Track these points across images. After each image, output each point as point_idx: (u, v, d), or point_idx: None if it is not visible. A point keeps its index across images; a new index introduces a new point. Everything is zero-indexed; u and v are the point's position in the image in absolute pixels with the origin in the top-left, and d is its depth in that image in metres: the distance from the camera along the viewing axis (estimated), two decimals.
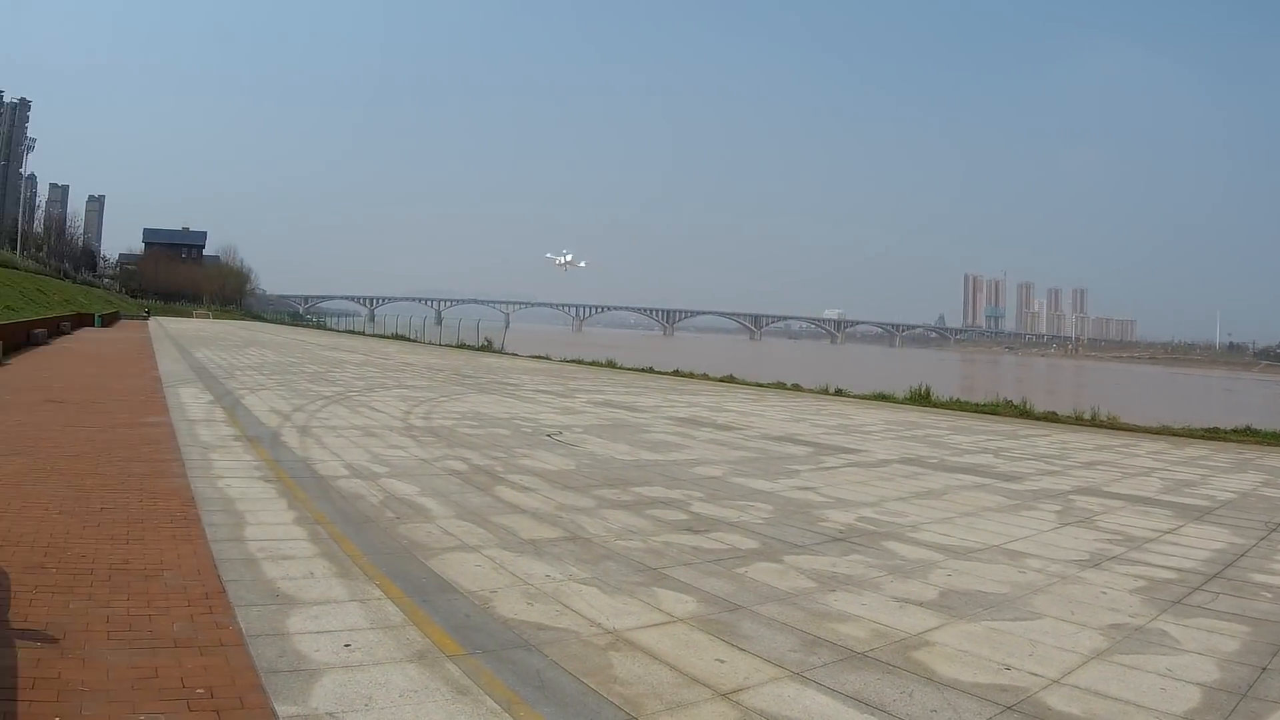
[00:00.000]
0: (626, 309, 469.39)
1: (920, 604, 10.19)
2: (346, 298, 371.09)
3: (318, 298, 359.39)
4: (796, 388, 48.05)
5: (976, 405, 40.76)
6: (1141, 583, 11.53)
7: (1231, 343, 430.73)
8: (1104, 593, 10.99)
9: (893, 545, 13.00)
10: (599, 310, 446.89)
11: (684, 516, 14.33)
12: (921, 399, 42.33)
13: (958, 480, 19.27)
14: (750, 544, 12.68)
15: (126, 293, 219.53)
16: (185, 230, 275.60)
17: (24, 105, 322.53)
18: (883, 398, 43.00)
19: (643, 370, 59.43)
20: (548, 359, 70.46)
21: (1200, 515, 16.61)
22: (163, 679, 6.96)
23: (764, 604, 9.89)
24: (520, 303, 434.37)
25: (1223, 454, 27.37)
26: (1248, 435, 32.65)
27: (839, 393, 45.49)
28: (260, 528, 12.06)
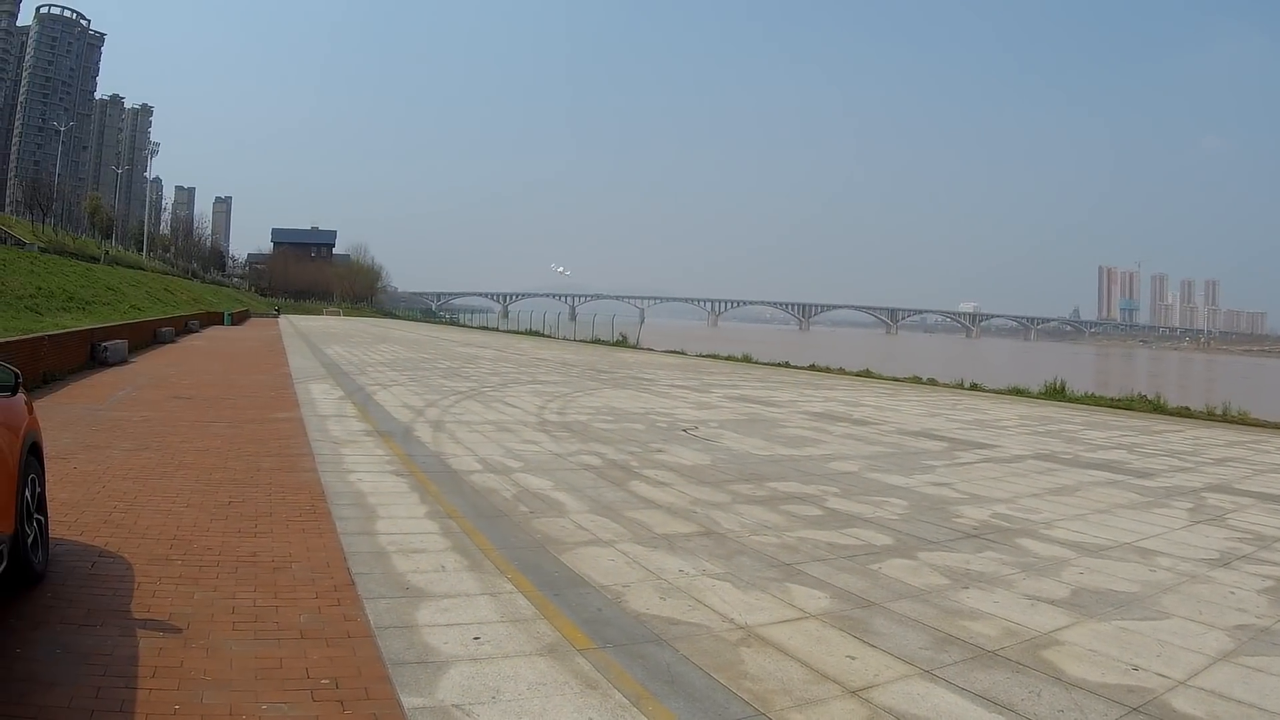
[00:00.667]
0: (762, 303, 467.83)
1: (1051, 602, 10.09)
2: (479, 294, 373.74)
3: (450, 294, 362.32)
4: (932, 382, 47.50)
5: (1111, 400, 39.99)
6: (1270, 583, 11.29)
7: None
8: (1232, 593, 10.78)
9: (1025, 542, 12.88)
10: (734, 305, 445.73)
11: (819, 512, 14.27)
12: (1056, 394, 41.60)
13: (1091, 476, 18.95)
14: (884, 540, 12.64)
15: (256, 291, 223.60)
16: (314, 229, 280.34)
17: (146, 111, 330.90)
18: (1018, 392, 42.44)
19: (778, 365, 58.86)
20: (683, 354, 70.15)
21: None
22: (287, 670, 7.12)
23: (896, 601, 9.87)
24: (655, 298, 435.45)
25: None
26: None
27: (974, 387, 44.99)
28: (391, 521, 12.25)
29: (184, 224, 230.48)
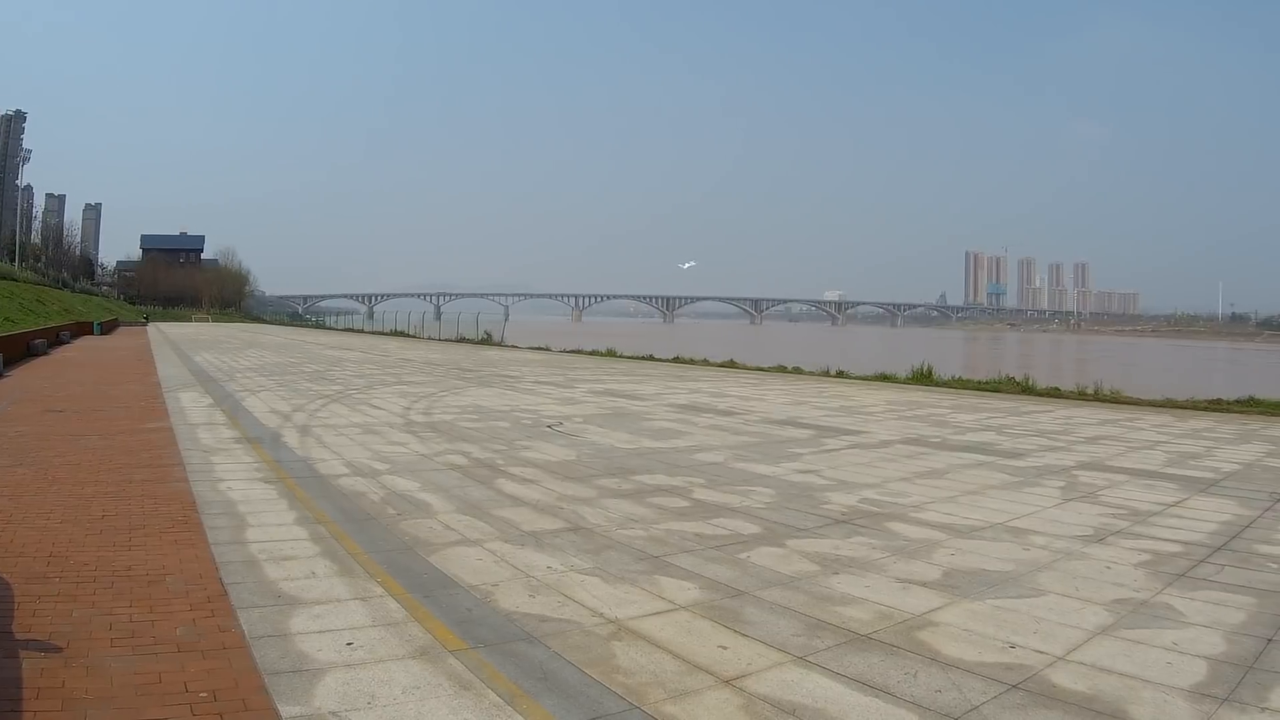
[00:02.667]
0: (626, 297, 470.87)
1: (924, 584, 10.20)
2: (345, 296, 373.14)
3: (317, 297, 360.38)
4: (798, 371, 48.20)
5: (979, 383, 40.91)
6: (1146, 557, 11.54)
7: (1234, 314, 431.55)
8: (1108, 568, 11.00)
9: (896, 526, 13.03)
10: (598, 299, 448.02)
11: (686, 504, 14.34)
12: (923, 378, 42.38)
13: (960, 459, 19.29)
14: (752, 529, 12.71)
15: (125, 299, 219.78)
16: (183, 234, 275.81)
17: (19, 117, 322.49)
18: (885, 378, 43.20)
19: (643, 358, 59.68)
20: (548, 350, 70.57)
21: (1205, 488, 16.62)
22: (166, 684, 6.98)
23: (767, 589, 9.91)
24: (520, 295, 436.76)
25: (1227, 425, 27.39)
26: (1251, 406, 32.66)
27: (840, 374, 45.66)
28: (261, 529, 12.09)
29: (54, 232, 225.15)
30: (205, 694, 6.86)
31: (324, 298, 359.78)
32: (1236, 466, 19.23)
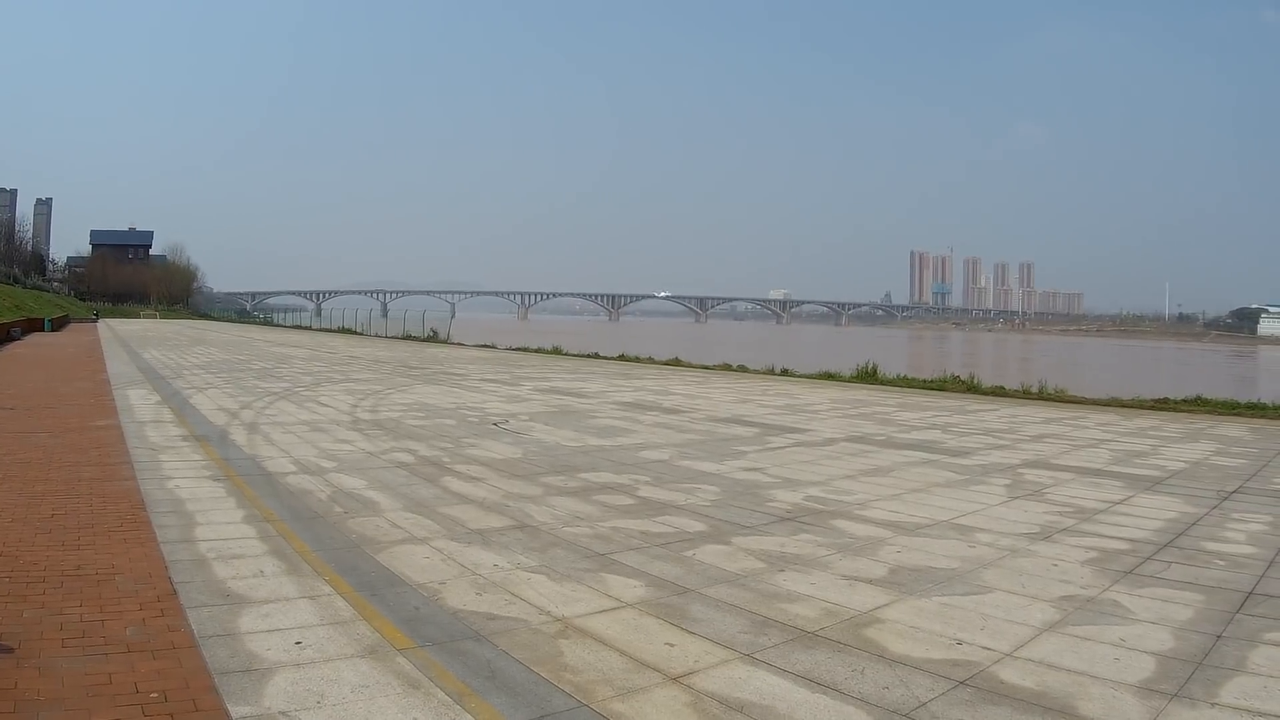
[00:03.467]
0: (572, 295, 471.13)
1: (870, 581, 10.25)
2: (293, 293, 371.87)
3: (264, 294, 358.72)
4: (742, 369, 48.44)
5: (924, 382, 41.13)
6: (1093, 554, 11.64)
7: (1181, 313, 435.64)
8: (1055, 565, 11.09)
9: (841, 524, 13.08)
10: (545, 297, 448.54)
11: (631, 501, 14.40)
12: (868, 377, 42.68)
13: (905, 457, 19.41)
14: (698, 526, 12.76)
15: (76, 295, 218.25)
16: (132, 230, 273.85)
17: None
18: (829, 377, 43.42)
19: (588, 356, 59.93)
20: (493, 348, 70.95)
21: (1151, 485, 16.79)
22: (117, 685, 6.95)
23: (713, 586, 9.94)
24: (466, 292, 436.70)
25: (1173, 424, 27.68)
26: (1198, 405, 33.01)
27: (785, 373, 45.91)
28: (210, 528, 12.06)
29: (5, 228, 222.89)
30: (156, 694, 6.83)
31: (272, 294, 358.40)
32: (1183, 465, 19.42)
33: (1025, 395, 36.22)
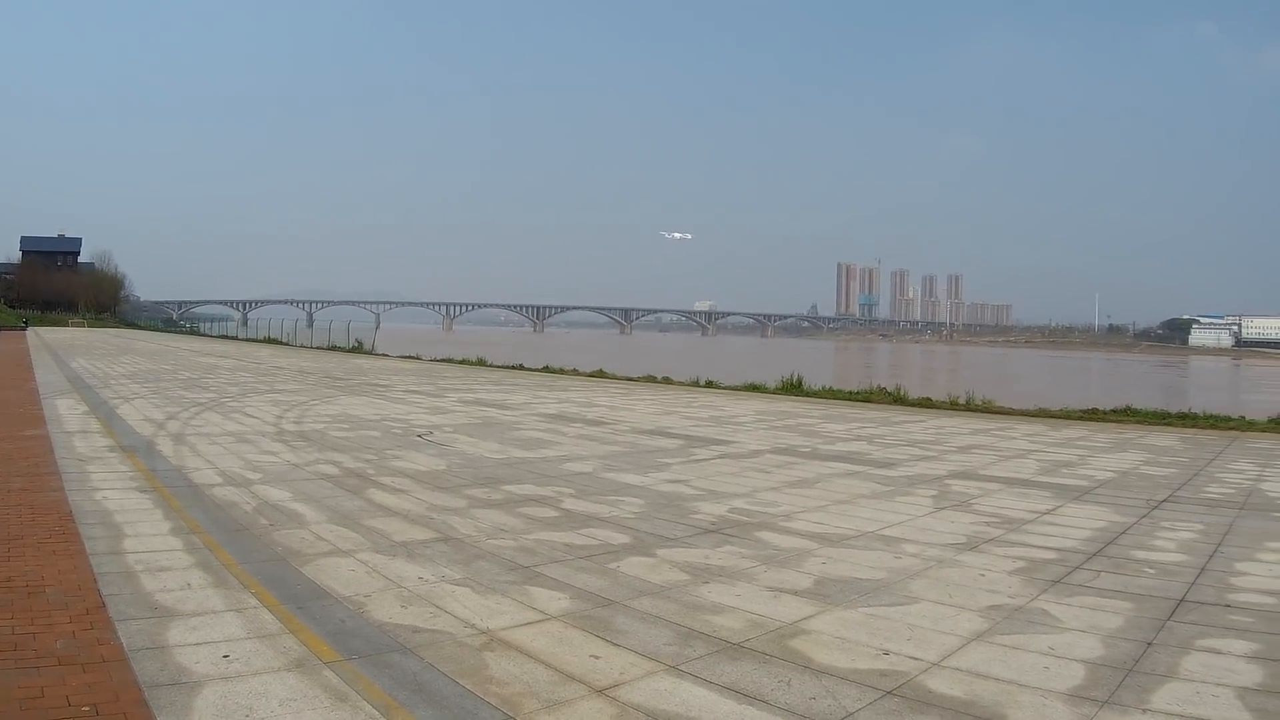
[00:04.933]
0: (497, 306, 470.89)
1: (795, 593, 10.34)
2: (219, 302, 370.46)
3: (191, 303, 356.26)
4: (667, 381, 48.42)
5: (850, 393, 41.29)
6: (1021, 564, 11.80)
7: (1111, 325, 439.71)
8: (982, 575, 11.23)
9: (765, 535, 13.18)
10: (469, 308, 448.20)
11: (555, 514, 14.47)
12: (793, 389, 42.80)
13: (830, 469, 19.54)
14: (622, 539, 12.83)
15: (5, 303, 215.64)
16: (61, 236, 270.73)
17: None
18: (754, 388, 43.55)
19: (513, 367, 59.92)
20: (418, 359, 71.14)
21: (1079, 495, 17.03)
22: (49, 699, 6.99)
23: (637, 598, 10.01)
24: (391, 303, 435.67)
25: (1102, 434, 28.05)
26: (1127, 415, 33.42)
27: (710, 384, 45.98)
28: (138, 539, 12.08)
29: None
30: (87, 708, 6.86)
31: (199, 304, 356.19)
32: (1112, 474, 19.70)
33: (952, 406, 36.53)
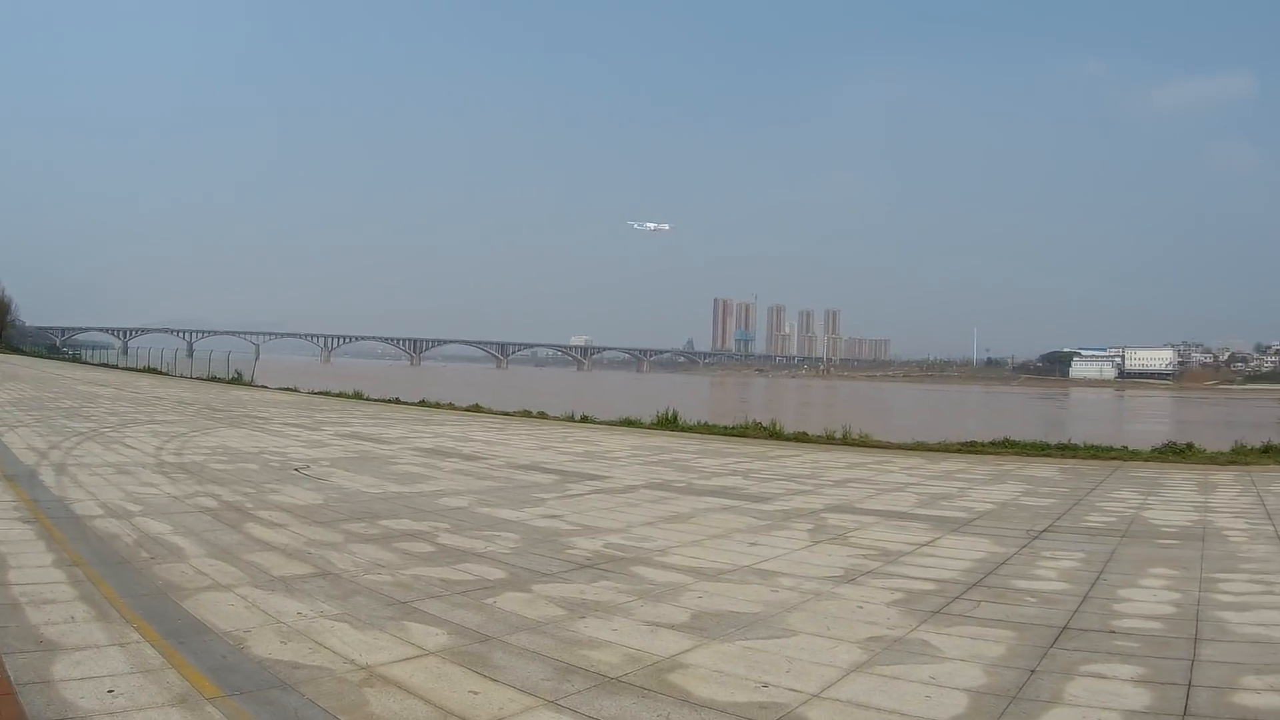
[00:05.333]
0: (374, 339, 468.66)
1: (672, 627, 10.31)
2: (102, 329, 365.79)
3: (74, 330, 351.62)
4: (543, 416, 48.40)
5: (725, 428, 41.41)
6: (899, 595, 11.86)
7: (990, 358, 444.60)
8: (860, 607, 11.26)
9: (641, 570, 13.18)
10: (347, 340, 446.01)
11: (431, 549, 14.43)
12: (669, 424, 42.89)
13: (706, 503, 19.60)
14: (498, 574, 12.78)
15: None
16: None
17: None
18: (630, 423, 43.60)
19: (389, 401, 59.88)
20: (297, 391, 71.19)
21: (958, 527, 17.23)
22: None
23: (514, 634, 9.95)
24: (271, 333, 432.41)
25: (981, 467, 28.45)
26: (1006, 447, 33.89)
27: (585, 419, 46.01)
28: (21, 571, 12.00)
29: None
30: None
31: (81, 330, 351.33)
32: (991, 506, 19.98)
33: (829, 441, 36.75)
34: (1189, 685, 8.49)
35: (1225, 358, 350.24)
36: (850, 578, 12.87)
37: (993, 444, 34.68)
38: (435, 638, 9.78)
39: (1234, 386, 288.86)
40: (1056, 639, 9.97)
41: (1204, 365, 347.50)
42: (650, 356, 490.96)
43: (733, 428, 41.34)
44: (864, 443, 35.92)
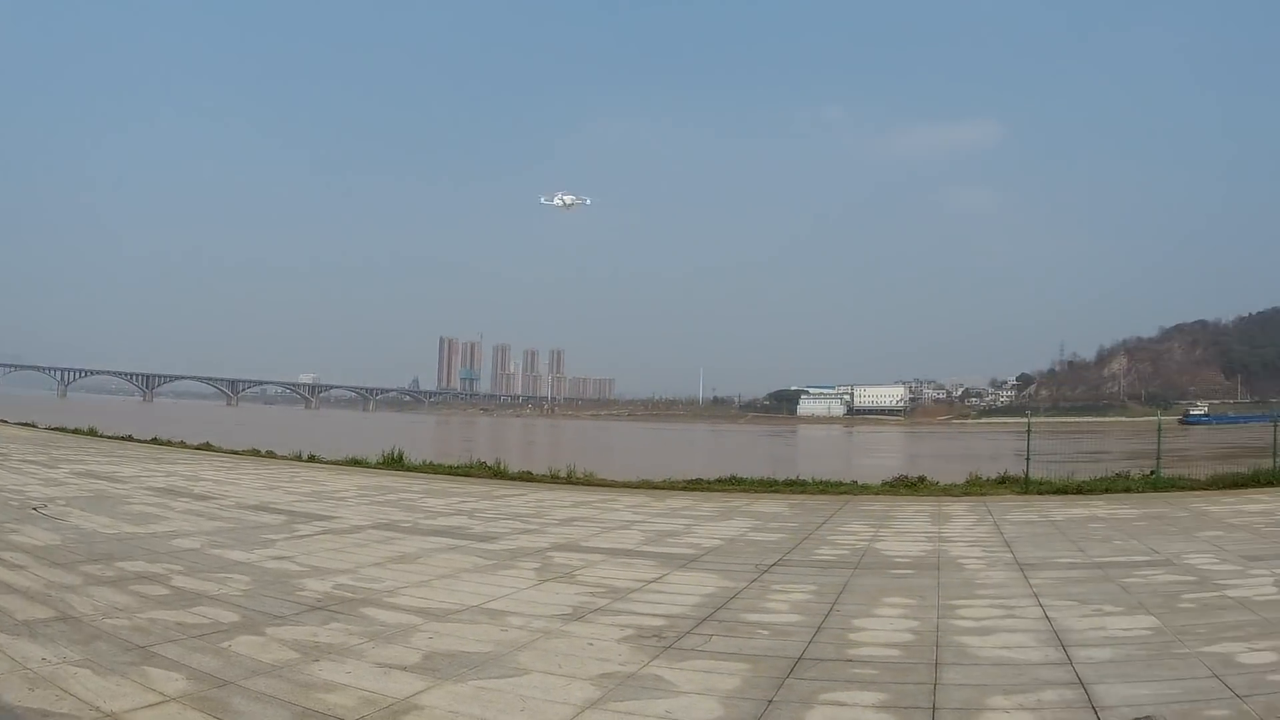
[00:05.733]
0: (108, 373, 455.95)
1: (404, 668, 10.35)
2: None
3: None
4: (271, 455, 47.74)
5: (450, 468, 41.39)
6: (630, 631, 12.05)
7: (716, 397, 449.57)
8: (591, 644, 11.43)
9: (372, 611, 13.15)
10: (83, 374, 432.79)
11: (166, 591, 14.17)
12: (394, 463, 42.56)
13: (433, 543, 19.63)
14: (232, 617, 12.63)
15: None
16: None
17: None
18: (356, 463, 43.14)
19: (123, 438, 58.55)
20: (34, 426, 69.46)
21: (686, 563, 17.52)
22: None
23: (251, 678, 9.86)
24: (9, 365, 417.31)
25: (707, 504, 28.84)
26: (733, 484, 34.44)
27: (312, 459, 45.38)
28: None
29: None
30: None
31: None
32: (719, 542, 20.34)
33: (554, 480, 36.81)
34: (933, 708, 8.87)
35: (959, 393, 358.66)
36: (579, 615, 13.03)
37: (719, 481, 35.18)
38: (175, 683, 9.62)
39: (968, 421, 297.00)
40: (793, 669, 10.28)
41: (936, 401, 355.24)
42: (376, 395, 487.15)
43: (458, 467, 41.32)
44: (589, 481, 36.13)
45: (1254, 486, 30.81)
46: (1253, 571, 16.07)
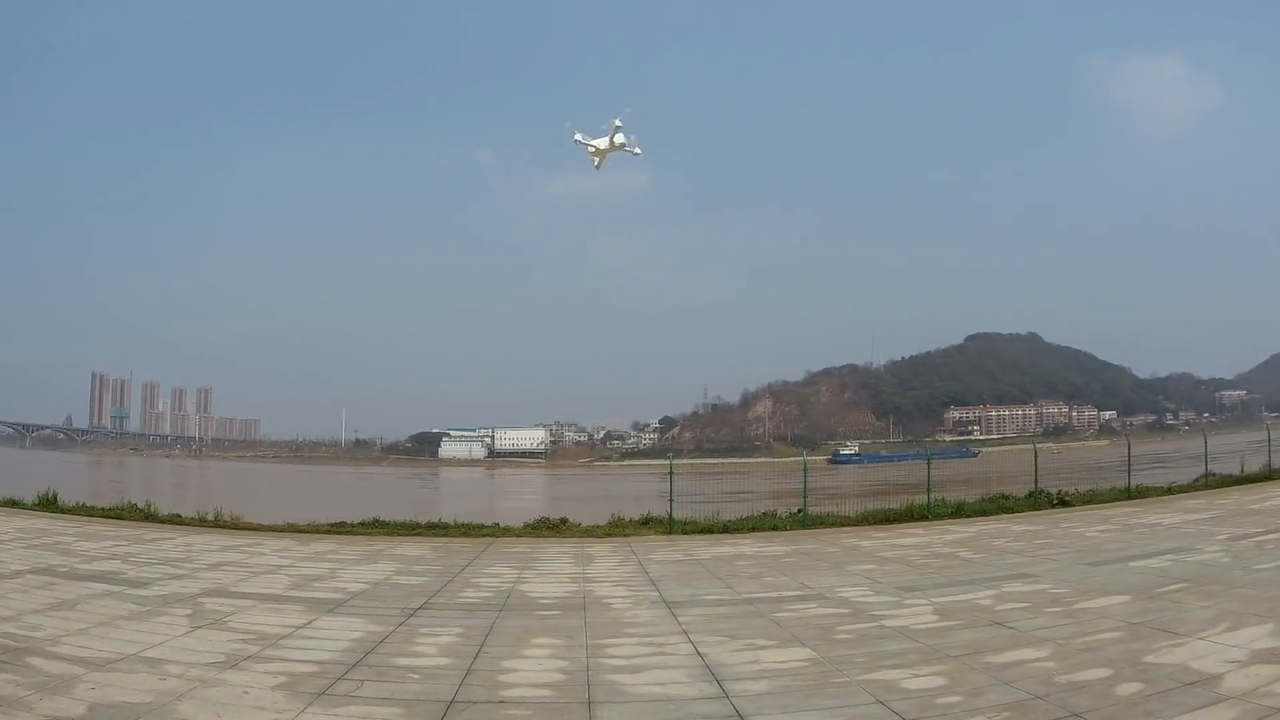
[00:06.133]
0: None
1: None
2: None
3: None
4: None
5: (103, 510, 39.52)
6: (283, 678, 11.85)
7: (359, 439, 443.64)
8: (246, 692, 11.20)
9: (36, 661, 12.52)
10: None
11: None
12: (49, 504, 40.60)
13: (89, 589, 18.71)
14: None
15: None
16: None
17: None
18: (14, 504, 40.99)
19: None
20: None
21: (333, 608, 17.23)
22: None
23: None
24: None
25: (351, 547, 28.36)
26: (377, 527, 33.95)
27: None
28: None
29: None
30: None
31: None
32: (364, 585, 20.09)
33: (201, 523, 35.57)
34: None
35: (600, 436, 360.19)
36: (233, 663, 12.70)
37: (363, 524, 34.66)
38: None
39: (610, 463, 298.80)
40: (446, 712, 10.30)
41: (578, 443, 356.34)
42: (33, 432, 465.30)
43: (110, 509, 39.58)
44: (236, 525, 35.00)
45: (908, 521, 32.39)
46: (909, 601, 16.90)
